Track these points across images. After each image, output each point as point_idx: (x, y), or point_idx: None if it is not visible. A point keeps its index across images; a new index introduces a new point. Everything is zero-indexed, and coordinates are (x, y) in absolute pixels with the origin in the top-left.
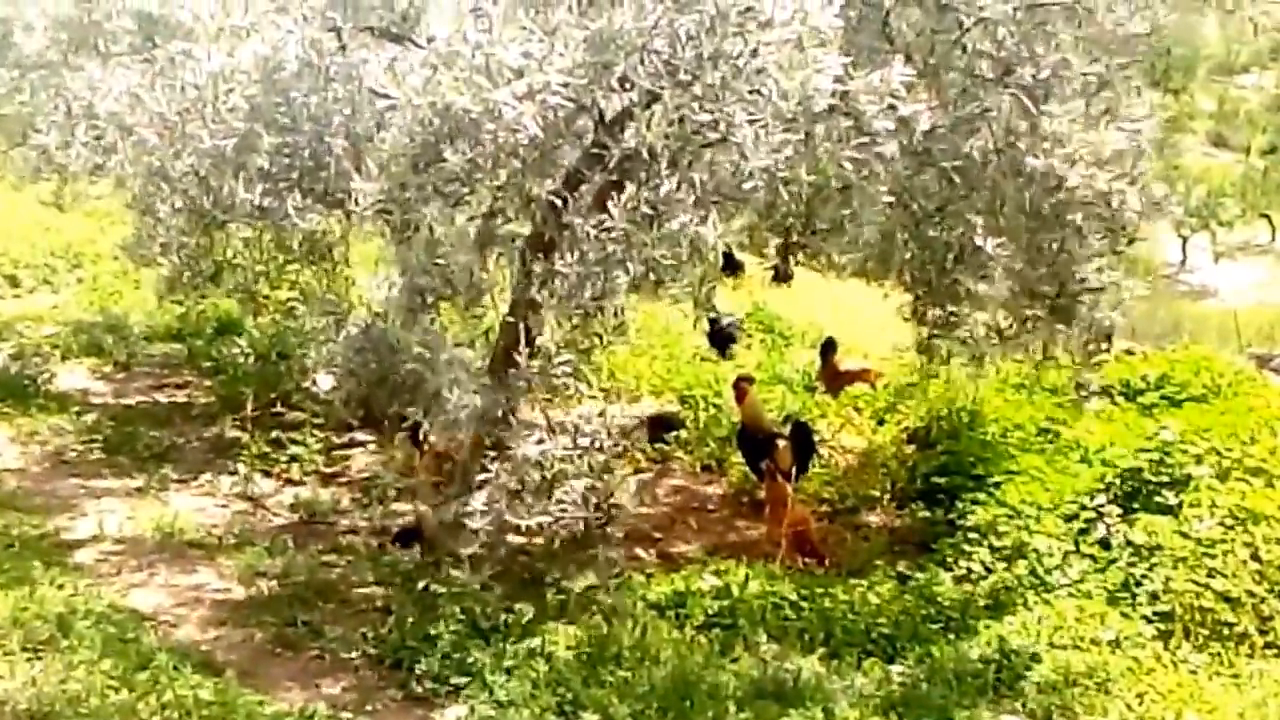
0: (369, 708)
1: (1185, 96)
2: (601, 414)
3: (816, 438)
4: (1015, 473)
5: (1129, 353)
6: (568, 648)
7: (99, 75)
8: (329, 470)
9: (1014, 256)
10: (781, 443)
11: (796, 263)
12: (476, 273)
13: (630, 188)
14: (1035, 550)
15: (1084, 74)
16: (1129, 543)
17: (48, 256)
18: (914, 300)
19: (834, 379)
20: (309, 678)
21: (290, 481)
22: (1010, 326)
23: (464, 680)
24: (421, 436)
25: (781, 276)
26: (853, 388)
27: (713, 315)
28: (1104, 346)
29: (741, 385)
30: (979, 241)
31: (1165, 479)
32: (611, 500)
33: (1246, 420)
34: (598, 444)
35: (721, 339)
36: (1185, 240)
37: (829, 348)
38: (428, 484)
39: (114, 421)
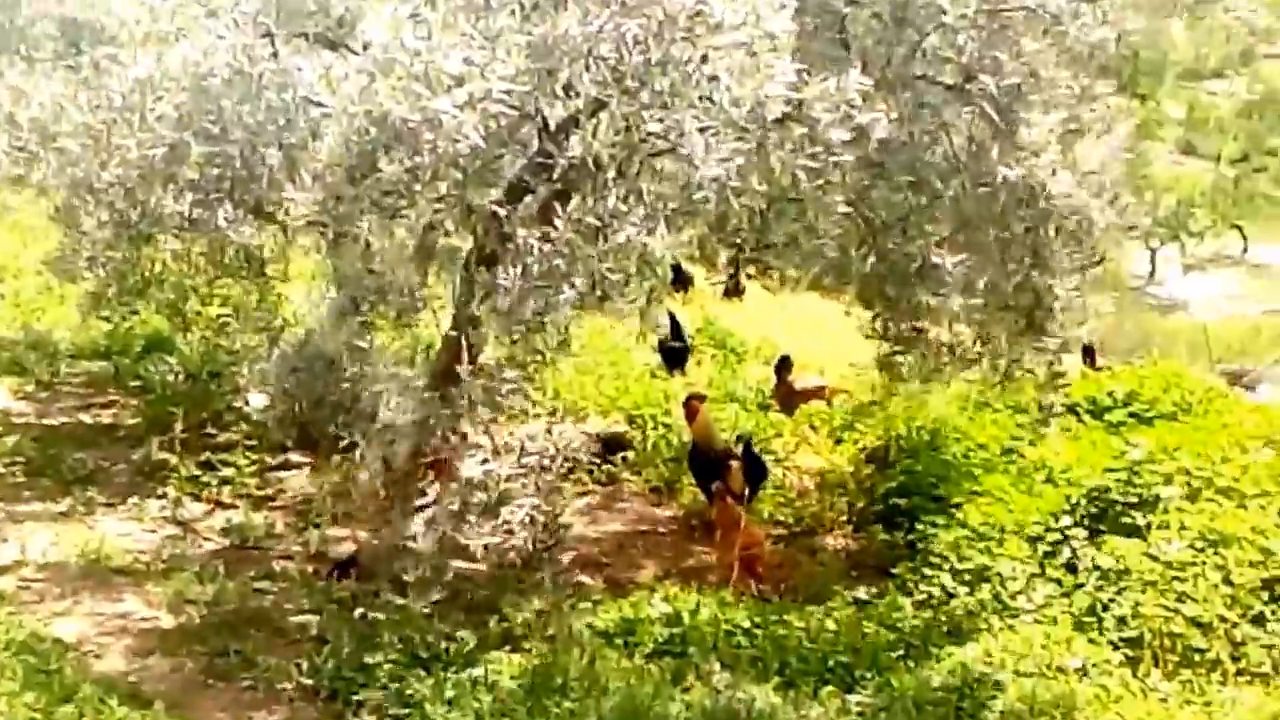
0: None
1: (1153, 102)
2: (548, 432)
3: (770, 458)
4: (978, 493)
5: (1096, 368)
6: (512, 677)
7: (22, 82)
8: (262, 493)
9: (977, 270)
10: (734, 464)
11: (749, 276)
12: (415, 287)
13: (576, 199)
14: (999, 574)
15: (1055, 83)
16: (1096, 566)
17: None
18: (875, 316)
19: (789, 397)
20: (241, 709)
21: (221, 505)
22: (974, 343)
23: (404, 712)
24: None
25: (733, 291)
26: (809, 405)
27: (664, 332)
28: (1087, 362)
29: (692, 404)
30: (935, 258)
31: (1133, 500)
32: (559, 522)
33: (1217, 439)
34: (544, 464)
35: (673, 355)
36: (1154, 252)
37: (784, 365)
38: (366, 507)
39: (37, 443)
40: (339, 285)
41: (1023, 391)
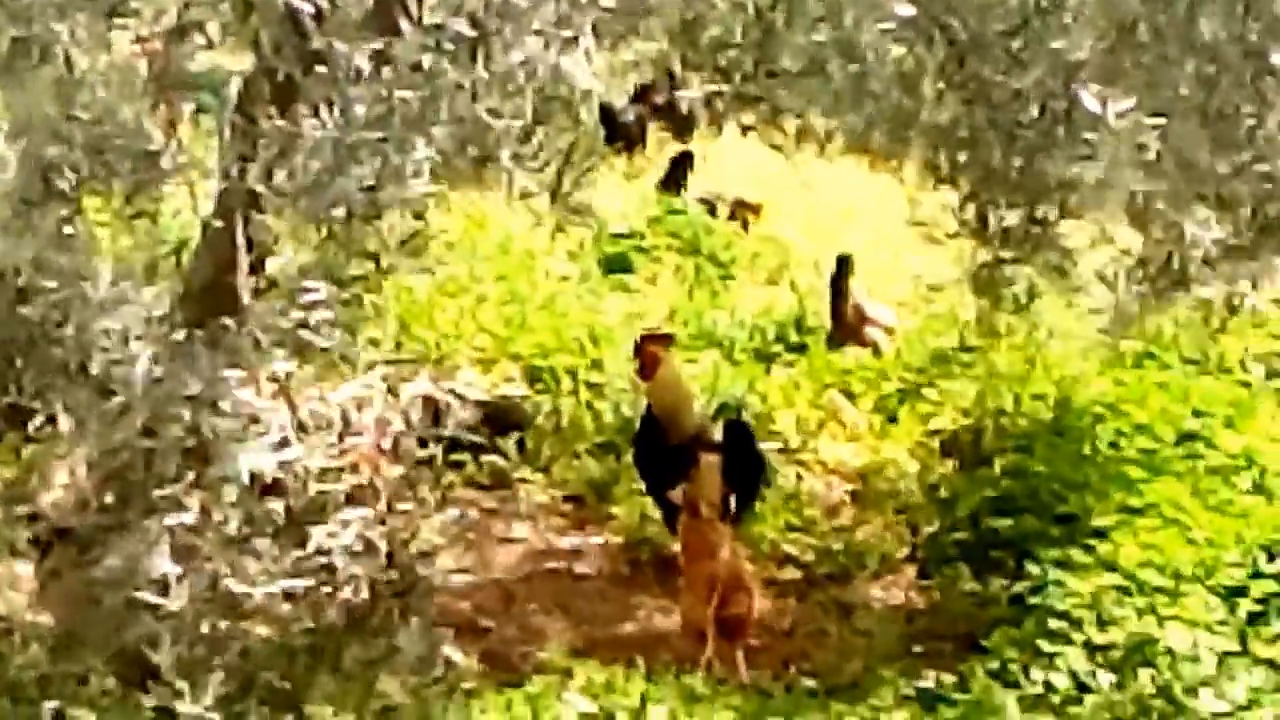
0: None
1: None
2: (391, 393)
3: (773, 446)
4: (1136, 511)
5: None
6: None
7: None
8: None
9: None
10: (708, 456)
11: (747, 130)
12: (156, 141)
13: None
14: (1169, 651)
15: None
16: None
17: None
18: (965, 199)
19: (852, 323)
20: None
21: None
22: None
23: None
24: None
25: (677, 122)
26: (845, 357)
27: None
28: None
29: (650, 349)
30: (1085, 96)
31: None
32: (415, 551)
33: None
34: (384, 447)
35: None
36: None
37: (844, 271)
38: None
39: None
40: (22, 135)
41: (1215, 337)
